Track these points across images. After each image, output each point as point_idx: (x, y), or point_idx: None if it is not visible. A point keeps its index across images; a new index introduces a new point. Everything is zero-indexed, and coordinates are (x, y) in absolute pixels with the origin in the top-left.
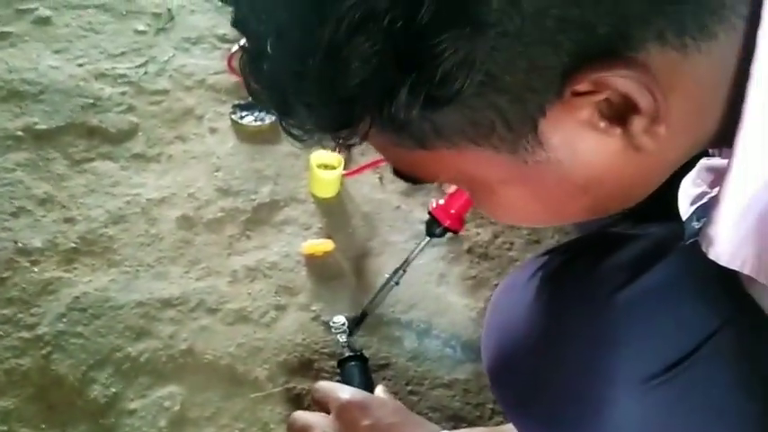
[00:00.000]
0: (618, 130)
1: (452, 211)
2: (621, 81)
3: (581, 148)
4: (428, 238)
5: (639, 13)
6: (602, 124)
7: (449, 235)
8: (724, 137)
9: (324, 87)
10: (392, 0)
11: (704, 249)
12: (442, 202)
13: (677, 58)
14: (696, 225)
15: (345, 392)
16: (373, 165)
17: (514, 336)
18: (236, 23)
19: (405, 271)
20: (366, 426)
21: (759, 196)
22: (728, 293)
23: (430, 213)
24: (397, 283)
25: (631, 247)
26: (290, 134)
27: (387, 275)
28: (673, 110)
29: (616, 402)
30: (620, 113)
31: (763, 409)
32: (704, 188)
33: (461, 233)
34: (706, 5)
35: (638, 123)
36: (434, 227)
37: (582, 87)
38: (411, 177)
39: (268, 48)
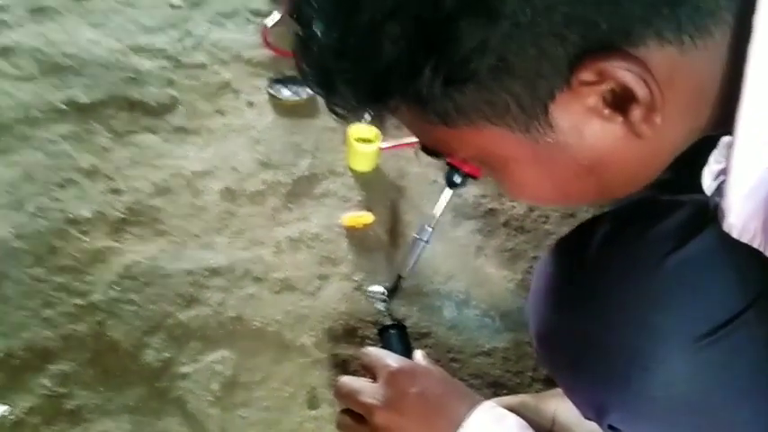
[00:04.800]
0: (620, 118)
1: None
2: (621, 72)
3: (587, 132)
4: (450, 191)
5: (639, 14)
6: (606, 112)
7: (485, 208)
8: (724, 121)
9: (360, 65)
10: None
11: (720, 222)
12: None
13: (675, 54)
14: (718, 199)
15: (394, 360)
16: (411, 144)
17: (563, 298)
18: (291, 12)
19: (432, 228)
20: (414, 393)
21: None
22: None
23: (448, 164)
24: (427, 242)
25: (678, 215)
26: (334, 112)
27: (414, 235)
28: (670, 101)
29: (666, 360)
30: (621, 103)
31: None
32: (725, 164)
33: (497, 207)
34: (703, 7)
35: (636, 112)
36: (454, 176)
37: (587, 77)
38: (435, 152)
39: (316, 31)
